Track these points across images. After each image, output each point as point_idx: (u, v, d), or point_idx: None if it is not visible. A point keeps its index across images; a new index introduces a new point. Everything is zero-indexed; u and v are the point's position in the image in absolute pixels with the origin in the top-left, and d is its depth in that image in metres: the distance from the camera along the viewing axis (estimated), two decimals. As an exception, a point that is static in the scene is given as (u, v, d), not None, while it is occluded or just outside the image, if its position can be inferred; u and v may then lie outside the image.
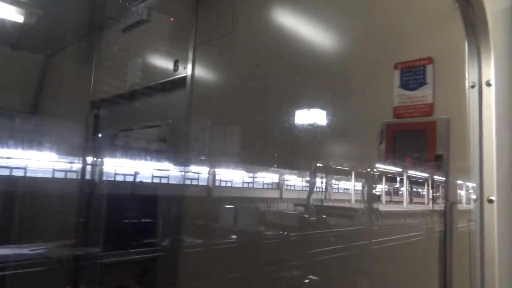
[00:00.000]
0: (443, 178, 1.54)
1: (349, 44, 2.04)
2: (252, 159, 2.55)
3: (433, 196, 1.59)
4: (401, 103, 1.75)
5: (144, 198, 3.36)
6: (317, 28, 2.21)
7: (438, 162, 1.57)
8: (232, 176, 2.48)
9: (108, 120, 3.96)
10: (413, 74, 1.72)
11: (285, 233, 2.13)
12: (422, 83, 1.69)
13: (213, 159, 2.63)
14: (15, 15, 3.61)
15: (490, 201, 0.97)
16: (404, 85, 1.75)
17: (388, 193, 1.85)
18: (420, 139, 1.67)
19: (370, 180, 1.89)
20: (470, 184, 1.07)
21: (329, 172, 2.11)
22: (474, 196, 1.01)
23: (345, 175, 2.04)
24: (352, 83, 1.96)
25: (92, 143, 3.73)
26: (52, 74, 4.57)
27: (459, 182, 1.46)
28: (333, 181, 2.14)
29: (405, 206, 1.69)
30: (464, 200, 1.35)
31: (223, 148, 2.76)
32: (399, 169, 1.73)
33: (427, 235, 1.54)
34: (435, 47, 1.65)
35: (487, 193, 0.98)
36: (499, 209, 0.96)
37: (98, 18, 3.83)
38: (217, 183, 2.74)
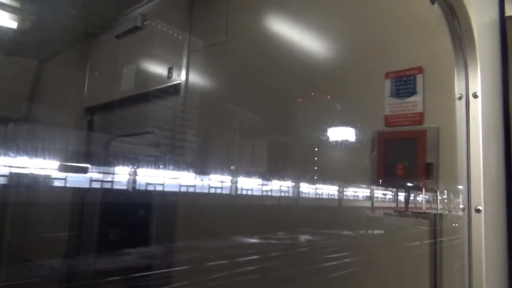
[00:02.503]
0: (434, 187, 1.56)
1: (342, 53, 2.07)
2: (243, 165, 2.56)
3: (422, 204, 1.60)
4: (392, 112, 1.77)
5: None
6: (310, 37, 2.24)
7: (428, 170, 1.59)
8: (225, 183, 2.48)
9: (102, 126, 3.96)
10: (403, 84, 1.75)
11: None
12: (412, 92, 1.72)
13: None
14: (8, 21, 3.61)
15: (478, 211, 0.99)
16: (395, 94, 1.78)
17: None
18: (411, 147, 1.69)
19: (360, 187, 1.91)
20: (458, 193, 1.09)
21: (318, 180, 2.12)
22: (461, 206, 1.03)
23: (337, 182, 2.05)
24: (345, 92, 1.98)
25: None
26: (46, 80, 4.56)
27: (448, 190, 1.48)
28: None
29: (395, 213, 1.71)
30: (453, 209, 1.37)
31: (218, 155, 2.77)
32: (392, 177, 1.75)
33: (416, 242, 1.56)
34: (425, 57, 1.68)
35: (474, 203, 0.99)
36: (486, 218, 0.98)
37: (92, 24, 3.83)
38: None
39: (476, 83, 1.02)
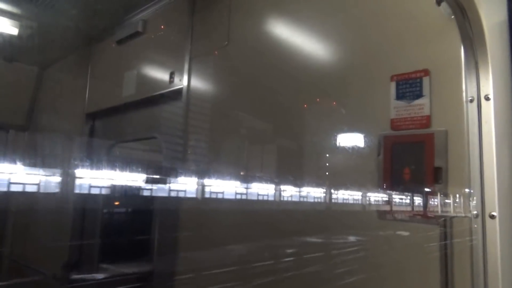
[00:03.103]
0: (443, 191, 1.53)
1: (346, 56, 2.04)
2: (247, 170, 2.53)
3: (432, 209, 1.57)
4: (398, 115, 1.74)
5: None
6: (313, 40, 2.22)
7: (437, 175, 1.56)
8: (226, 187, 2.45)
9: (103, 132, 3.94)
10: (409, 86, 1.72)
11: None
12: (418, 95, 1.69)
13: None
14: (9, 27, 3.60)
15: (492, 217, 0.95)
16: (401, 97, 1.75)
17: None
18: (418, 151, 1.66)
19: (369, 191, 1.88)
20: (471, 198, 1.05)
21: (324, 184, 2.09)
22: (475, 212, 0.99)
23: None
24: (350, 95, 1.95)
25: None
26: (47, 86, 4.55)
27: (459, 195, 1.45)
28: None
29: (405, 218, 1.68)
30: (464, 214, 1.34)
31: (220, 160, 2.74)
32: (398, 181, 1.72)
33: (426, 249, 1.52)
34: (431, 59, 1.65)
35: (488, 209, 0.96)
36: (501, 225, 0.95)
37: (93, 30, 3.83)
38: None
39: (488, 85, 0.99)
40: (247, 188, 2.37)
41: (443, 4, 1.53)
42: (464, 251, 1.14)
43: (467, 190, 1.11)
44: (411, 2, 1.76)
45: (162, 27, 3.21)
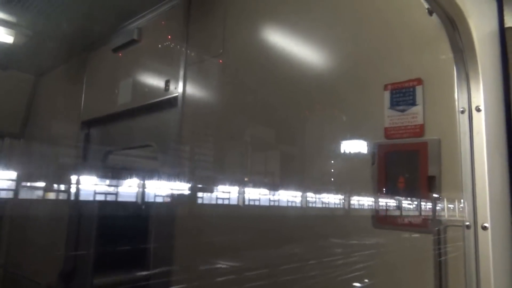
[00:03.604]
0: (436, 200, 1.53)
1: (340, 65, 2.05)
2: (242, 177, 2.53)
3: (425, 218, 1.57)
4: (392, 124, 1.75)
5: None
6: (307, 49, 2.23)
7: (430, 184, 1.57)
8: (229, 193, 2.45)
9: (99, 140, 3.92)
10: (402, 95, 1.73)
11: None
12: (412, 104, 1.69)
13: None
14: (4, 35, 3.60)
15: (484, 228, 0.96)
16: (394, 106, 1.76)
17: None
18: (412, 160, 1.66)
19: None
20: (462, 209, 1.05)
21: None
22: (467, 223, 1.00)
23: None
24: (343, 104, 1.96)
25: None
26: (42, 93, 4.54)
27: (452, 204, 1.45)
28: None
29: (399, 227, 1.68)
30: (458, 223, 1.34)
31: (215, 166, 2.74)
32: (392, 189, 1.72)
33: (420, 258, 1.52)
34: (424, 68, 1.66)
35: (480, 220, 0.96)
36: (493, 236, 0.95)
37: (88, 37, 3.83)
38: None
39: (479, 97, 0.99)
40: (240, 193, 2.38)
41: (435, 14, 1.55)
42: (458, 261, 1.14)
43: (459, 200, 1.11)
44: (404, 11, 1.77)
45: (158, 35, 3.22)
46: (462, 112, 1.02)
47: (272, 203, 2.27)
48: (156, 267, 2.78)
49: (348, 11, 2.01)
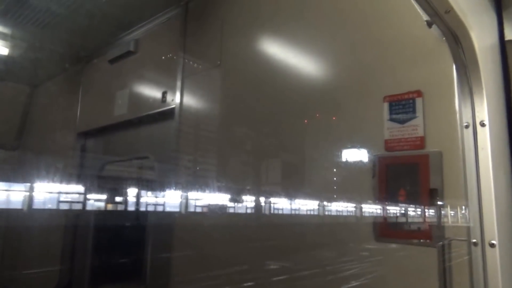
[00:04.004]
0: (439, 213, 1.51)
1: (338, 76, 2.04)
2: (238, 188, 2.50)
3: (429, 232, 1.55)
4: (392, 136, 1.74)
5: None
6: (305, 61, 2.22)
7: (432, 196, 1.55)
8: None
9: (95, 151, 3.89)
10: (402, 107, 1.72)
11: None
12: (412, 116, 1.68)
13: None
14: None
15: (492, 245, 0.94)
16: (394, 118, 1.74)
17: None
18: (413, 172, 1.64)
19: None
20: (469, 224, 1.03)
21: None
22: (474, 240, 0.98)
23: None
24: (343, 116, 1.95)
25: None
26: (37, 105, 4.51)
27: (456, 218, 1.43)
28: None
29: (402, 240, 1.65)
30: (462, 238, 1.32)
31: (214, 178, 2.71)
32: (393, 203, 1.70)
33: (422, 272, 1.50)
34: (424, 80, 1.65)
35: (488, 237, 0.94)
36: (502, 253, 0.93)
37: (84, 49, 3.81)
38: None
39: (483, 111, 0.98)
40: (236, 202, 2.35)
41: (434, 26, 1.54)
42: (463, 276, 1.12)
43: (465, 215, 1.09)
44: (403, 23, 1.77)
45: (154, 46, 3.21)
46: (467, 127, 1.00)
47: (268, 213, 2.25)
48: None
49: (347, 22, 2.01)
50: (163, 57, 3.09)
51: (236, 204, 2.37)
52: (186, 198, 2.37)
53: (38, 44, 3.67)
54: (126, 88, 3.37)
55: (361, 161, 1.84)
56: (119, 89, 3.43)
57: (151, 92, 3.15)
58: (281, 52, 2.36)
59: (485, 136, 0.97)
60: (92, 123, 3.78)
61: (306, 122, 2.11)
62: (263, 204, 2.27)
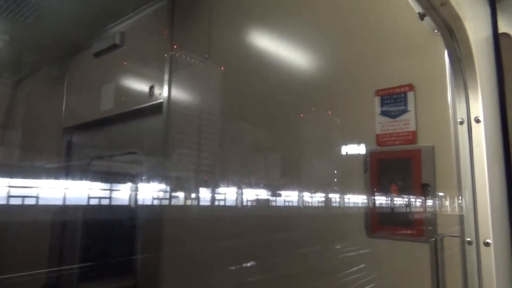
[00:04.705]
0: (431, 208, 1.50)
1: (329, 70, 2.01)
2: (228, 183, 2.47)
3: (420, 227, 1.54)
4: (384, 131, 1.71)
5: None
6: (296, 53, 2.18)
7: (424, 191, 1.53)
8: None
9: (81, 147, 3.81)
10: (394, 101, 1.70)
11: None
12: (403, 111, 1.66)
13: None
14: (-20, 41, 3.47)
15: (487, 244, 0.92)
16: (385, 112, 1.72)
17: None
18: (405, 167, 1.63)
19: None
20: (463, 222, 1.01)
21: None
22: (468, 239, 0.96)
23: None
24: (334, 110, 1.92)
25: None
26: (21, 99, 4.39)
27: (448, 213, 1.42)
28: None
29: (394, 236, 1.64)
30: (454, 234, 1.31)
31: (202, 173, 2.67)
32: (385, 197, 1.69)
33: (414, 268, 1.49)
34: (415, 73, 1.63)
35: (482, 236, 0.93)
36: (496, 252, 0.91)
37: (69, 42, 3.71)
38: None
39: (478, 107, 0.96)
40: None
41: (427, 18, 1.51)
42: (456, 272, 1.10)
43: (458, 210, 1.07)
44: (395, 16, 1.74)
45: (141, 39, 3.13)
46: (461, 123, 0.98)
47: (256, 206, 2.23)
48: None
49: (338, 16, 1.97)
50: (150, 51, 3.02)
51: (225, 196, 2.35)
52: (174, 192, 2.34)
53: (21, 37, 3.57)
54: (112, 82, 3.29)
55: (352, 156, 1.82)
56: (105, 83, 3.35)
57: (138, 86, 3.08)
58: (271, 45, 2.32)
59: (480, 132, 0.95)
60: (78, 118, 3.69)
61: (301, 116, 2.08)
62: (250, 197, 2.25)
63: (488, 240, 0.92)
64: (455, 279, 1.14)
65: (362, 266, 1.66)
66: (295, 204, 2.08)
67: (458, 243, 1.08)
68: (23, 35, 3.51)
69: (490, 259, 0.91)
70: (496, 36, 1.18)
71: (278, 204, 2.16)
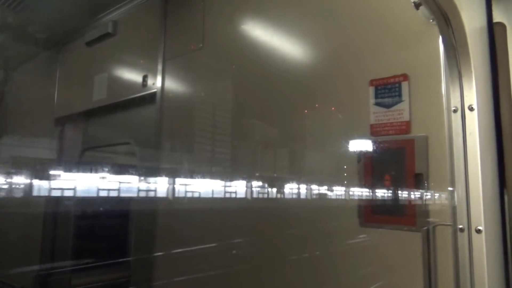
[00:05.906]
0: (424, 198, 1.51)
1: (323, 59, 2.00)
2: (223, 172, 2.47)
3: (413, 216, 1.55)
4: (378, 121, 1.72)
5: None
6: (290, 43, 2.17)
7: (417, 181, 1.54)
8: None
9: (73, 137, 3.78)
10: (388, 91, 1.70)
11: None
12: (398, 100, 1.66)
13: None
14: (-31, 29, 3.40)
15: (478, 231, 0.93)
16: (380, 102, 1.72)
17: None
18: (399, 157, 1.63)
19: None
20: (456, 211, 1.02)
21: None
22: (460, 226, 0.97)
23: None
24: (328, 100, 1.92)
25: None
26: (12, 89, 4.33)
27: (441, 203, 1.43)
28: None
29: (386, 225, 1.65)
30: (447, 223, 1.32)
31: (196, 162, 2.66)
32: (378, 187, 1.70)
33: (407, 257, 1.50)
34: (410, 64, 1.63)
35: (474, 223, 0.93)
36: (488, 239, 0.92)
37: (60, 31, 3.66)
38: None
39: (472, 95, 0.96)
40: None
41: (422, 8, 1.51)
42: (448, 260, 1.11)
43: (450, 200, 1.08)
44: (389, 5, 1.73)
45: (134, 28, 3.10)
46: (455, 111, 0.98)
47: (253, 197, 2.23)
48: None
49: (332, 5, 1.96)
50: (143, 40, 2.99)
51: (219, 189, 2.34)
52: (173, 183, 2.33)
53: (11, 25, 3.50)
54: (105, 72, 3.26)
55: (346, 146, 1.82)
56: (97, 73, 3.31)
57: (131, 76, 3.05)
58: (264, 34, 2.30)
59: (473, 120, 0.96)
60: (70, 108, 3.66)
61: (294, 106, 2.07)
62: (245, 188, 2.25)
63: (479, 227, 0.93)
64: (447, 267, 1.16)
65: (355, 254, 1.68)
66: (287, 195, 2.09)
67: (450, 232, 1.09)
68: (14, 23, 3.45)
69: (482, 245, 0.92)
70: (491, 25, 1.18)
71: (270, 195, 2.16)
